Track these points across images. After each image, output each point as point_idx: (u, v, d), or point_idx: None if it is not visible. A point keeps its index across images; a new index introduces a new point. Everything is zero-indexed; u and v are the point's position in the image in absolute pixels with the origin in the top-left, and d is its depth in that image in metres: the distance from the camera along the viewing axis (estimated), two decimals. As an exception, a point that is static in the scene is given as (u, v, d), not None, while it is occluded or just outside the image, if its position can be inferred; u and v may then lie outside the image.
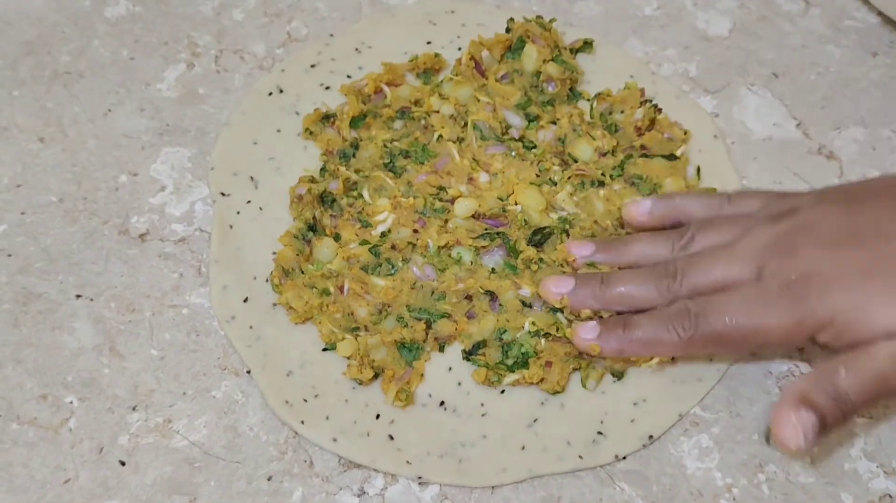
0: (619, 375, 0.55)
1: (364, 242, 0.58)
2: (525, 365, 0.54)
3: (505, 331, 0.55)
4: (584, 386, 0.55)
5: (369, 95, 0.65)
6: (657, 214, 0.56)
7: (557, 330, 0.55)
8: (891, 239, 0.49)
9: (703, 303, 0.51)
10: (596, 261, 0.56)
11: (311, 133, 0.64)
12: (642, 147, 0.63)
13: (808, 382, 0.48)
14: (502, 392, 0.55)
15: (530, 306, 0.56)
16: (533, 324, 0.55)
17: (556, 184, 0.60)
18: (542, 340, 0.55)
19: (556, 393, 0.54)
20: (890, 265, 0.48)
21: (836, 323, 0.48)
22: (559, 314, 0.55)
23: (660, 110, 0.63)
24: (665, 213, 0.56)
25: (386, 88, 0.65)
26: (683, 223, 0.56)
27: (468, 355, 0.55)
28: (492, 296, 0.56)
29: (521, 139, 0.62)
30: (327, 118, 0.64)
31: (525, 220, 0.58)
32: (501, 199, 0.60)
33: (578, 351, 0.54)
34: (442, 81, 0.65)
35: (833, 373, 0.48)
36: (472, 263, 0.57)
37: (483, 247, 0.57)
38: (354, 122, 0.64)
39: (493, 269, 0.57)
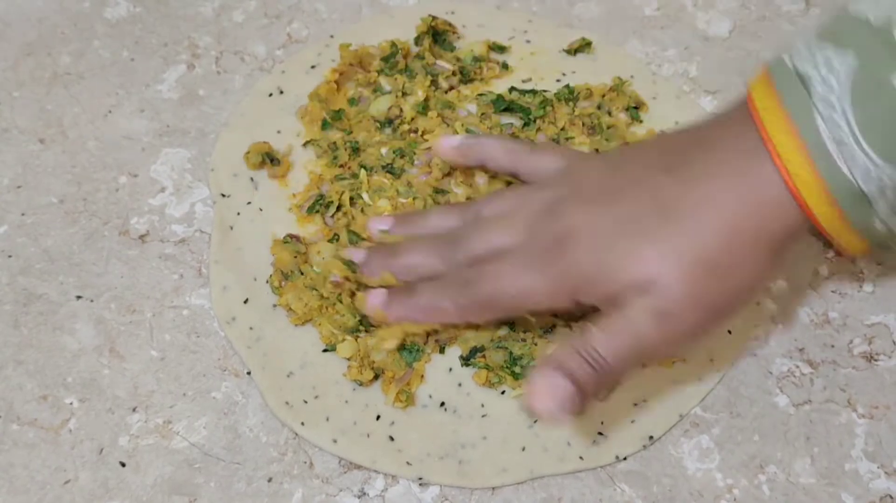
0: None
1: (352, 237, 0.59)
2: None
3: (515, 348, 0.55)
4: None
5: (338, 85, 0.65)
6: (463, 150, 0.58)
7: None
8: (650, 190, 0.48)
9: (477, 270, 0.51)
10: (394, 233, 0.57)
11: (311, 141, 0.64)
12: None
13: (563, 348, 0.47)
14: (503, 393, 0.55)
15: (552, 329, 0.56)
16: None
17: None
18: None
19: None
20: (641, 217, 0.47)
21: (589, 280, 0.48)
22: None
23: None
24: (469, 152, 0.57)
25: (364, 92, 0.65)
26: (488, 165, 0.58)
27: (466, 361, 0.55)
28: None
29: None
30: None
31: None
32: None
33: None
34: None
35: (588, 336, 0.47)
36: None
37: None
38: (325, 125, 0.64)
39: None
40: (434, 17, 0.67)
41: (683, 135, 0.51)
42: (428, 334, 0.55)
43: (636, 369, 0.55)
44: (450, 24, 0.67)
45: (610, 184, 0.50)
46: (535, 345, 0.55)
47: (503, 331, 0.55)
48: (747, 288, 0.48)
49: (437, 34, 0.67)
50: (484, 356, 0.55)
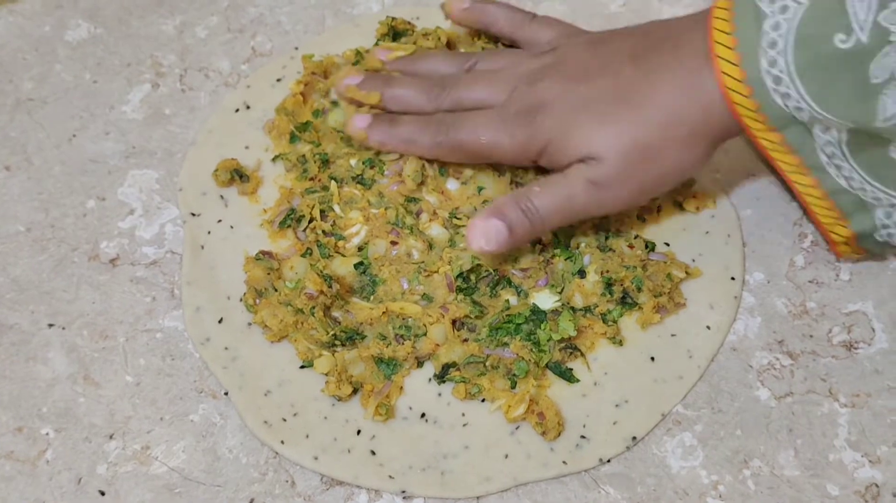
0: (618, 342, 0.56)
1: (326, 252, 0.58)
2: (513, 384, 0.54)
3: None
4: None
5: (304, 98, 0.64)
6: (472, 12, 0.62)
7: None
8: (615, 75, 0.54)
9: (457, 116, 0.57)
10: (392, 68, 0.62)
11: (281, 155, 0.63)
12: None
13: (507, 197, 0.54)
14: (483, 400, 0.54)
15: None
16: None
17: None
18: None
19: (557, 436, 0.53)
20: (602, 98, 0.53)
21: (549, 147, 0.54)
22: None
23: None
24: (477, 15, 0.62)
25: (328, 103, 0.64)
26: (490, 30, 0.63)
27: (440, 378, 0.55)
28: (463, 324, 0.56)
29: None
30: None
31: None
32: None
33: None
34: None
35: (529, 190, 0.54)
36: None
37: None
38: (293, 138, 0.63)
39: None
40: (393, 18, 0.66)
41: (657, 27, 0.56)
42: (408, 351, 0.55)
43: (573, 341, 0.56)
44: (409, 23, 0.66)
45: (587, 63, 0.55)
46: (497, 368, 0.55)
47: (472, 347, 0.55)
48: (675, 173, 0.54)
49: (398, 35, 0.66)
50: (459, 370, 0.54)
